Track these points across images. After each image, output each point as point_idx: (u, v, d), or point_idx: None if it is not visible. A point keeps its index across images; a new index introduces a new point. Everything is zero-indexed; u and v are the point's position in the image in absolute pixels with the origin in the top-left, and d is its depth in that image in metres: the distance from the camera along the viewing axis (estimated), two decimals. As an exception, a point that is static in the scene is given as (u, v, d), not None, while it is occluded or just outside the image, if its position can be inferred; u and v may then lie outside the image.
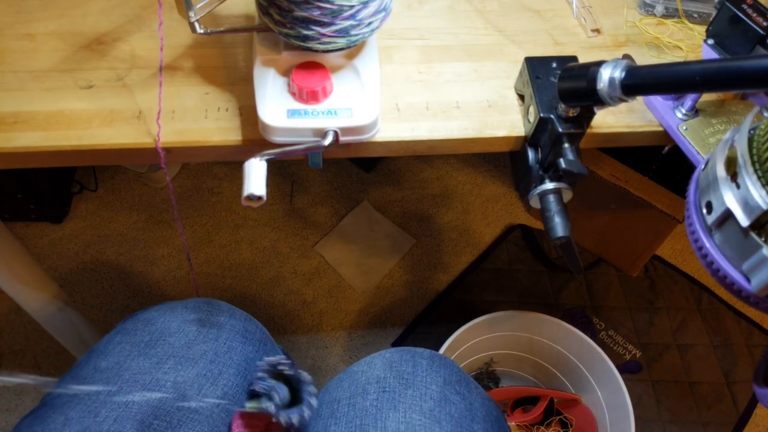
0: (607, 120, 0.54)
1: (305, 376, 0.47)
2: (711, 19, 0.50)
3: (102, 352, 0.51)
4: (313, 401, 0.46)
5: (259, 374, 0.47)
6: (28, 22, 0.56)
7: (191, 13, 0.46)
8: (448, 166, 1.37)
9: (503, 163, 1.38)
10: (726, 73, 0.35)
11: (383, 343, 1.13)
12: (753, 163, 0.34)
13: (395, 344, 1.12)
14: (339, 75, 0.49)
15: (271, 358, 0.47)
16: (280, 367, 0.47)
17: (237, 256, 1.21)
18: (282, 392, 0.46)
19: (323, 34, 0.45)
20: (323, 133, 0.47)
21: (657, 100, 0.53)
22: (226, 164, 1.33)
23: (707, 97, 0.52)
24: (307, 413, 0.45)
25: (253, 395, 0.48)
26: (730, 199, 0.35)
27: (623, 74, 0.41)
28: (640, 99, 0.55)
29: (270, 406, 0.45)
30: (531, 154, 0.51)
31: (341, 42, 0.46)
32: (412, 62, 0.56)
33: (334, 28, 0.44)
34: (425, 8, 0.61)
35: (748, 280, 0.36)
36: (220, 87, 0.53)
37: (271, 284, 1.18)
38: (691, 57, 0.59)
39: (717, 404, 1.10)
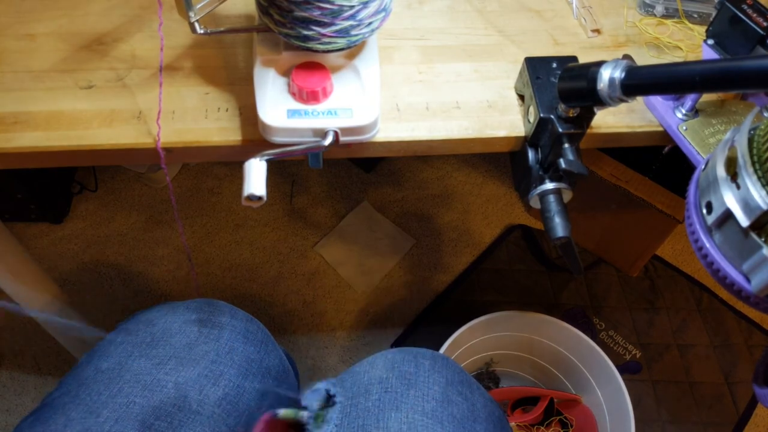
0: (607, 120, 0.54)
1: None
2: (711, 19, 0.50)
3: (103, 353, 0.51)
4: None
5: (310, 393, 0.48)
6: (28, 22, 0.56)
7: (191, 14, 0.46)
8: (448, 166, 1.37)
9: (503, 163, 1.38)
10: (726, 73, 0.35)
11: (383, 343, 1.13)
12: (753, 164, 0.34)
13: (395, 344, 1.12)
14: (339, 75, 0.49)
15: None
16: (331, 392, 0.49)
17: (237, 256, 1.21)
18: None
19: (323, 35, 0.45)
20: (323, 134, 0.47)
21: (657, 100, 0.53)
22: (226, 164, 1.33)
23: (707, 97, 0.52)
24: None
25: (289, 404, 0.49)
26: (730, 200, 0.35)
27: (623, 74, 0.41)
28: (640, 99, 0.55)
29: (304, 415, 0.46)
30: (531, 155, 0.51)
31: (341, 42, 0.46)
32: (412, 62, 0.56)
33: (334, 28, 0.44)
34: (425, 8, 0.61)
35: (748, 280, 0.36)
36: (220, 87, 0.53)
37: (271, 284, 1.18)
38: (691, 57, 0.59)
39: (717, 404, 1.10)
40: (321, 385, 0.48)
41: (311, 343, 1.12)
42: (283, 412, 0.46)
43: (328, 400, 0.49)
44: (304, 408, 0.47)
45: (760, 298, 0.36)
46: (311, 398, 0.47)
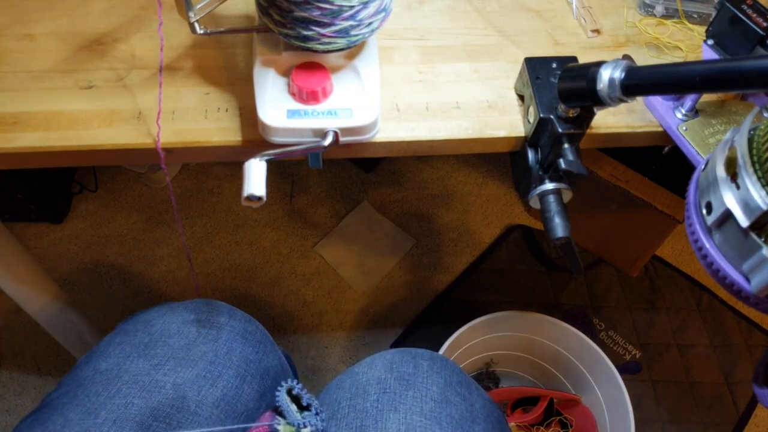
0: (607, 120, 0.54)
1: (317, 404, 0.49)
2: (711, 19, 0.50)
3: (102, 354, 0.51)
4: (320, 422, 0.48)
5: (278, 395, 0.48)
6: (28, 22, 0.56)
7: (191, 14, 0.46)
8: (448, 167, 1.37)
9: (503, 163, 1.38)
10: (726, 73, 0.35)
11: (383, 344, 1.13)
12: (753, 164, 0.34)
13: (395, 344, 1.12)
14: (339, 75, 0.49)
15: (289, 384, 0.49)
16: (295, 392, 0.48)
17: (237, 256, 1.21)
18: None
19: (323, 35, 0.45)
20: (323, 134, 0.47)
21: (657, 100, 0.53)
22: (226, 164, 1.33)
23: (707, 97, 0.52)
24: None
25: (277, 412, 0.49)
26: (729, 200, 0.35)
27: (623, 75, 0.41)
28: (640, 99, 0.55)
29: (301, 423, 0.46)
30: (531, 155, 0.51)
31: (341, 42, 0.46)
32: (412, 62, 0.56)
33: (333, 28, 0.44)
34: (425, 8, 0.61)
35: (748, 281, 0.36)
36: (220, 87, 0.53)
37: (271, 285, 1.18)
38: (691, 57, 0.59)
39: (717, 404, 1.10)
40: (282, 387, 0.49)
41: (311, 343, 1.12)
42: (283, 429, 0.47)
43: (290, 394, 0.49)
44: (303, 426, 0.47)
45: (760, 298, 0.36)
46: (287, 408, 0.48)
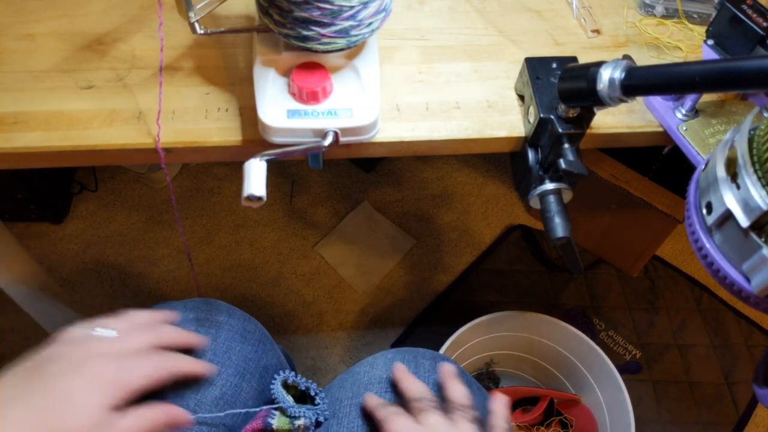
0: (607, 120, 0.54)
1: (315, 387, 0.49)
2: (711, 19, 0.50)
3: (102, 353, 0.50)
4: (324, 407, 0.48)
5: (274, 389, 0.48)
6: (28, 22, 0.56)
7: (191, 14, 0.46)
8: (448, 167, 1.37)
9: (503, 163, 1.38)
10: (726, 73, 0.35)
11: (383, 344, 1.13)
12: (753, 164, 0.34)
13: (395, 344, 1.12)
14: (339, 75, 0.49)
15: (284, 375, 0.49)
16: (291, 381, 0.48)
17: (237, 256, 1.21)
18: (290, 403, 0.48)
19: (323, 35, 0.45)
20: (323, 134, 0.47)
21: (657, 100, 0.53)
22: (226, 164, 1.33)
23: (707, 97, 0.52)
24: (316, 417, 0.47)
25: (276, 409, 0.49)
26: (730, 200, 0.35)
27: (623, 75, 0.41)
28: (640, 99, 0.55)
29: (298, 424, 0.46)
30: (531, 155, 0.51)
31: (341, 42, 0.46)
32: (412, 62, 0.56)
33: (334, 28, 0.44)
34: (425, 8, 0.61)
35: (748, 281, 0.36)
36: (220, 87, 0.53)
37: (271, 285, 1.18)
38: (691, 57, 0.59)
39: (717, 404, 1.10)
40: (277, 379, 0.49)
41: (311, 343, 1.12)
42: (277, 424, 0.47)
43: (287, 386, 0.49)
44: (297, 417, 0.47)
45: (760, 298, 0.36)
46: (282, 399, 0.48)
